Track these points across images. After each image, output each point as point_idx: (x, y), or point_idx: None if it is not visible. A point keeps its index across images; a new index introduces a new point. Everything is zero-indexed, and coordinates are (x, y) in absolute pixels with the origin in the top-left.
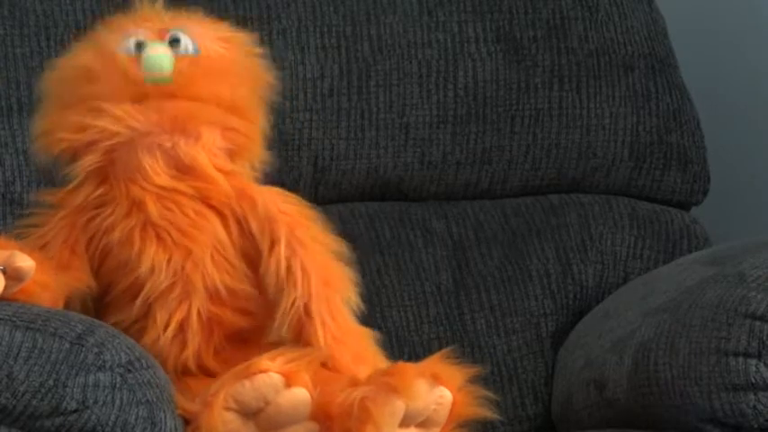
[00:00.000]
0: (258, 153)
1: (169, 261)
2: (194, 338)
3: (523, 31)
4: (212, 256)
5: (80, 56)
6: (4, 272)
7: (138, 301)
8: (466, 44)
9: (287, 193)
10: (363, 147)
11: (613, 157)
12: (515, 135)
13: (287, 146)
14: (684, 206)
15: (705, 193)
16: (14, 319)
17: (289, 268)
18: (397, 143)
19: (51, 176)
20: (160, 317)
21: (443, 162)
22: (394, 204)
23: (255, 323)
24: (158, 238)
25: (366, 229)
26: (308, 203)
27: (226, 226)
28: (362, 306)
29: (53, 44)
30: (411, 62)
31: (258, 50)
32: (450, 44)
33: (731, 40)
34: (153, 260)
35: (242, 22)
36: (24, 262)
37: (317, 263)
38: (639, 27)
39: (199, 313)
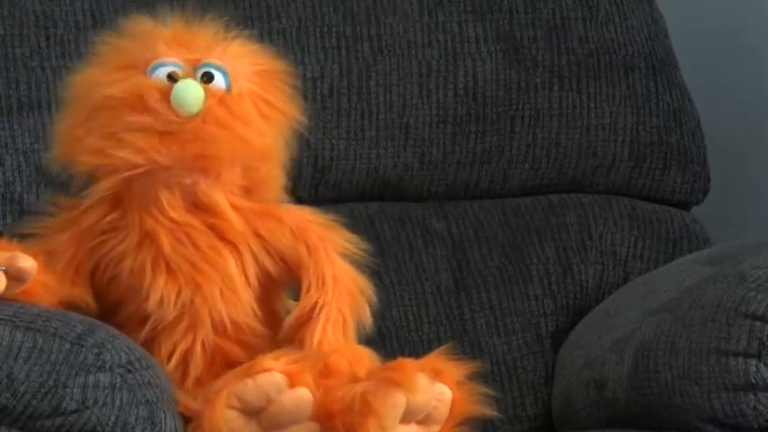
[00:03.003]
0: (275, 192)
1: (178, 294)
2: (197, 368)
3: (523, 31)
4: (221, 291)
5: (108, 73)
6: (6, 272)
7: (144, 331)
8: (466, 44)
9: (304, 207)
10: (363, 147)
11: (613, 157)
12: (515, 135)
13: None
14: (684, 206)
15: (705, 193)
16: (15, 319)
17: (322, 271)
18: (397, 143)
19: (53, 179)
20: (165, 347)
21: (443, 162)
22: (394, 204)
23: (257, 355)
24: (169, 270)
25: (366, 230)
26: (328, 214)
27: (238, 260)
28: (371, 326)
29: (53, 44)
30: (411, 62)
31: (291, 83)
32: (450, 44)
33: (731, 40)
34: (162, 293)
35: (242, 22)
36: (26, 262)
37: (346, 272)
38: (640, 27)
39: (203, 344)
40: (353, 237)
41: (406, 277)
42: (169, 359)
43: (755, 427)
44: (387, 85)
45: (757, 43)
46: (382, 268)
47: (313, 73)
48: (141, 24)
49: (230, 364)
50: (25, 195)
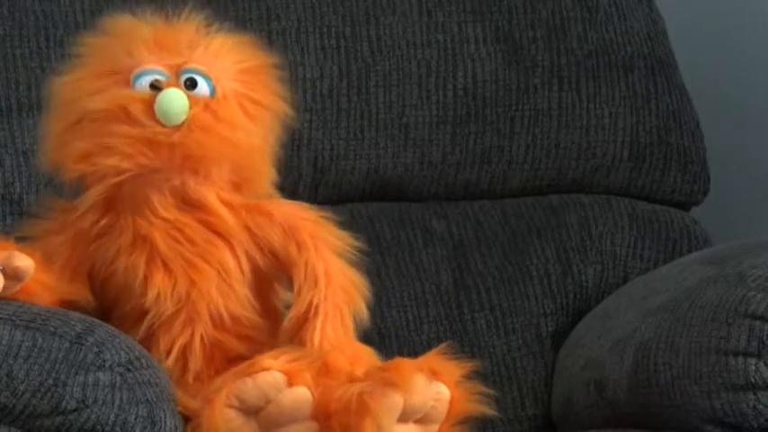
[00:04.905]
0: (264, 187)
1: (174, 288)
2: (196, 362)
3: (523, 32)
4: (218, 285)
5: (91, 80)
6: (4, 272)
7: (143, 327)
8: (465, 44)
9: (297, 202)
10: (363, 147)
11: (613, 158)
12: (515, 135)
13: (287, 146)
14: (684, 206)
15: (705, 193)
16: (14, 318)
17: (313, 269)
18: (397, 143)
19: (52, 180)
20: (163, 342)
21: (443, 162)
22: (394, 204)
23: (256, 349)
24: (165, 266)
25: (366, 230)
26: (322, 210)
27: (233, 253)
28: (368, 320)
29: (53, 45)
30: (411, 62)
31: (279, 75)
32: (449, 44)
33: (731, 40)
34: (159, 288)
35: (241, 22)
36: (23, 261)
37: (338, 268)
38: (639, 27)
39: (201, 339)
40: (345, 234)
41: (406, 277)
42: (168, 354)
43: (755, 426)
44: (386, 85)
45: (757, 43)
46: (382, 268)
47: (313, 73)
48: (121, 23)
49: (230, 359)
50: (25, 196)
